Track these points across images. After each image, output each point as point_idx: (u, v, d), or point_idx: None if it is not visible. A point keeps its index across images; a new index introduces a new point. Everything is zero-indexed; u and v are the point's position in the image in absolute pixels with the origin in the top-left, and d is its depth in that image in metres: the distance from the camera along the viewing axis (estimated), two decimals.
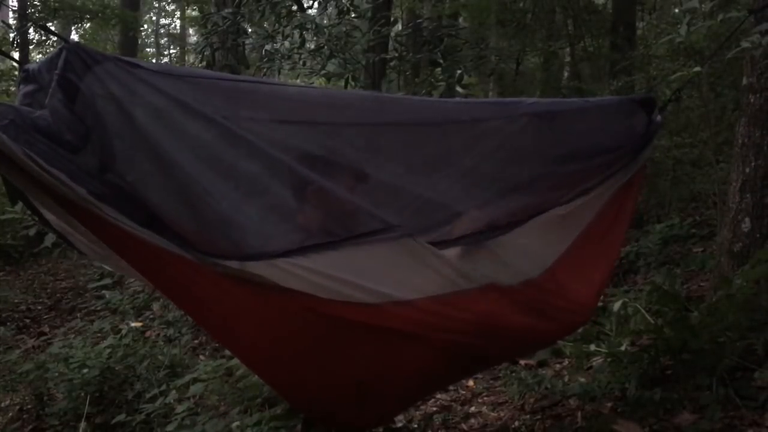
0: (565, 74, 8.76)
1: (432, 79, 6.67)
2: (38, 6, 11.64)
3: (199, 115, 1.93)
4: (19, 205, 6.93)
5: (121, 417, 3.44)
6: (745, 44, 2.46)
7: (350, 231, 2.07)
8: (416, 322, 2.12)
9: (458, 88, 6.24)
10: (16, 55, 10.56)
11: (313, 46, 7.05)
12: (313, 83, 7.49)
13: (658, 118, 2.45)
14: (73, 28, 15.69)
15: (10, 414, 3.98)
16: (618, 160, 2.42)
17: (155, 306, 5.61)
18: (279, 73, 7.27)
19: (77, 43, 1.73)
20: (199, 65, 7.89)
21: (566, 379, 3.22)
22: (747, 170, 3.18)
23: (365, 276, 2.04)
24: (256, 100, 2.11)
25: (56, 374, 3.82)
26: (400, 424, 3.03)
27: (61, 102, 1.75)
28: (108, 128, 1.82)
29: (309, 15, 7.36)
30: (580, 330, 3.12)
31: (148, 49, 22.99)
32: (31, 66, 1.92)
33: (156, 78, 1.89)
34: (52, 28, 15.96)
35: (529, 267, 2.30)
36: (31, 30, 11.50)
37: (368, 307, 2.04)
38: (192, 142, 1.93)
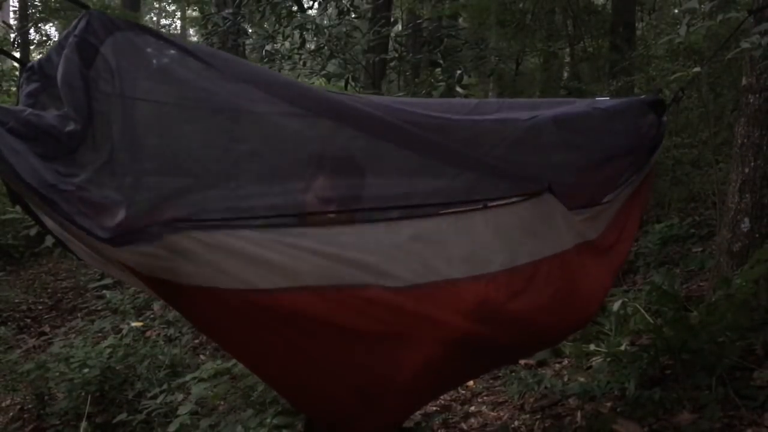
0: (565, 74, 8.76)
1: (432, 80, 6.67)
2: (39, 6, 11.65)
3: (215, 85, 1.85)
4: None
5: (122, 416, 3.45)
6: (744, 45, 2.46)
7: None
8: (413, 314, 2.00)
9: (458, 89, 6.24)
10: (17, 55, 10.57)
11: (313, 47, 7.06)
12: (313, 83, 7.50)
13: (663, 119, 2.46)
14: None
15: (11, 413, 3.98)
16: (630, 166, 2.40)
17: (156, 306, 5.61)
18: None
19: (99, 10, 1.67)
20: None
21: (566, 378, 3.23)
22: (746, 170, 3.19)
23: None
24: (269, 80, 2.02)
25: (57, 374, 3.82)
26: None
27: (77, 66, 1.67)
28: (124, 90, 1.74)
29: (309, 15, 7.35)
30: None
31: None
32: (35, 61, 1.87)
33: (175, 49, 1.83)
34: (53, 29, 15.97)
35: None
36: (31, 30, 11.52)
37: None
38: (202, 111, 1.88)
